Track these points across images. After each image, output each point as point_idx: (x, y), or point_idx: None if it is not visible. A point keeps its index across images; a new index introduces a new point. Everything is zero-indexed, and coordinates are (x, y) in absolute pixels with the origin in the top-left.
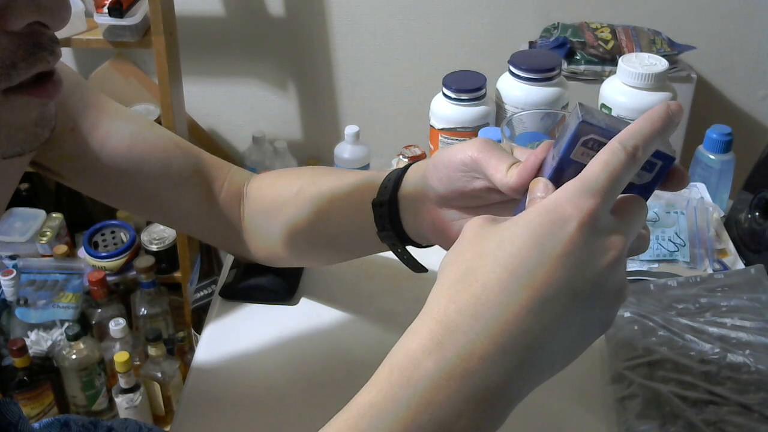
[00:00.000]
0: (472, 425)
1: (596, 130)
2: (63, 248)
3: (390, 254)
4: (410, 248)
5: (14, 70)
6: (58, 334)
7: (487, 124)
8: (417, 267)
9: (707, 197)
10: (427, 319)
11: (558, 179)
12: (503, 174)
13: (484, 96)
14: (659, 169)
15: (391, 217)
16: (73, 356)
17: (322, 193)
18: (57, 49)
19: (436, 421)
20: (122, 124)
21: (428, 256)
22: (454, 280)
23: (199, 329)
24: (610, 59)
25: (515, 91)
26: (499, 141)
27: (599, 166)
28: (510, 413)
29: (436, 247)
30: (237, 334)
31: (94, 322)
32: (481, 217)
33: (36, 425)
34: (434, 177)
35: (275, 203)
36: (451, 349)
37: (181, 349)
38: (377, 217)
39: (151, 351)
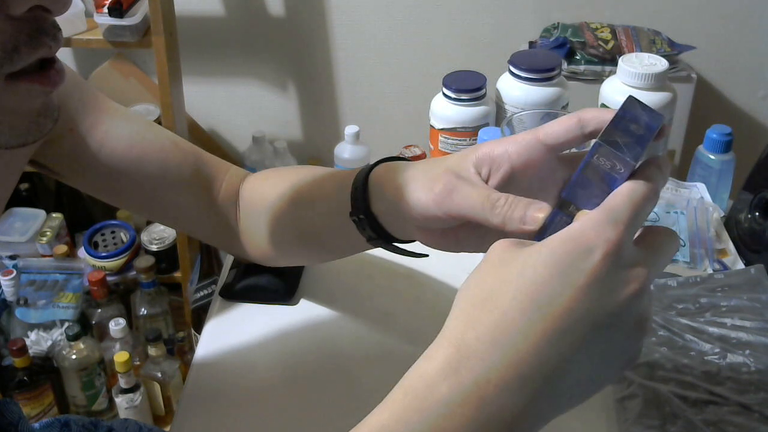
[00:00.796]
0: None
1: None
2: (63, 248)
3: (389, 254)
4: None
5: (17, 54)
6: (58, 334)
7: (487, 124)
8: (416, 256)
9: (707, 197)
10: (444, 343)
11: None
12: (490, 216)
13: (484, 96)
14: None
15: (374, 227)
16: (73, 356)
17: (305, 200)
18: (59, 35)
19: None
20: (121, 123)
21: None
22: (474, 305)
23: (199, 329)
24: (610, 59)
25: (515, 91)
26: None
27: (623, 196)
28: None
29: None
30: (237, 334)
31: (94, 322)
32: (506, 241)
33: (36, 425)
34: (411, 223)
35: (262, 205)
36: (467, 376)
37: (181, 349)
38: (360, 229)
39: (151, 351)
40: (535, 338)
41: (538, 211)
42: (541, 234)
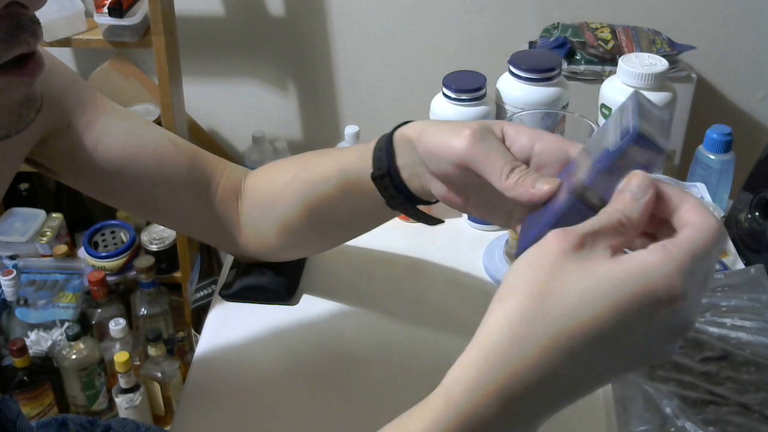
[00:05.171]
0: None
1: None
2: (63, 248)
3: (389, 253)
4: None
5: None
6: (58, 334)
7: None
8: (432, 221)
9: (707, 197)
10: (479, 345)
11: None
12: (501, 177)
13: (484, 96)
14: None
15: (396, 185)
16: (73, 356)
17: (318, 176)
18: (38, 30)
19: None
20: (117, 122)
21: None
22: (521, 318)
23: (199, 329)
24: (610, 59)
25: (515, 91)
26: None
27: (687, 243)
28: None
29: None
30: (237, 334)
31: (94, 322)
32: (566, 239)
33: (34, 424)
34: (428, 165)
35: (272, 193)
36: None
37: (181, 349)
38: (382, 188)
39: (151, 351)
40: (554, 351)
41: (547, 184)
42: (552, 217)
